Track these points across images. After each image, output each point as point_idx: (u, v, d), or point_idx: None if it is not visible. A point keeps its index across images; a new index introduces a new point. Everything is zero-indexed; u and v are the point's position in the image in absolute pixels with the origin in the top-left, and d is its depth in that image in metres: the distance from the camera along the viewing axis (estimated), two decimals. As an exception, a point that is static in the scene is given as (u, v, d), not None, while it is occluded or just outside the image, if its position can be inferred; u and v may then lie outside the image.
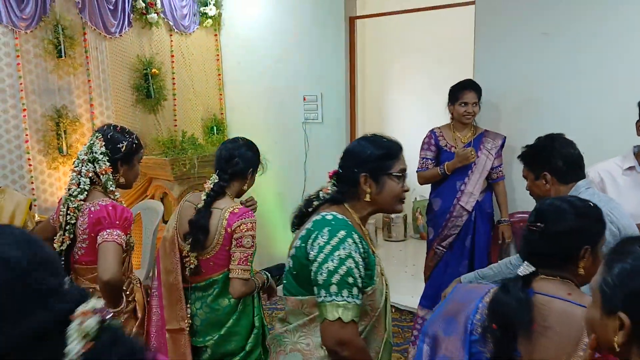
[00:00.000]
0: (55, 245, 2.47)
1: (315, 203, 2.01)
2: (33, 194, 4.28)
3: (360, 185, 1.91)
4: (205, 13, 5.45)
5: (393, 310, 4.54)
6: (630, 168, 2.78)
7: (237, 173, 2.66)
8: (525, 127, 3.90)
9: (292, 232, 2.02)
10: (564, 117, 3.76)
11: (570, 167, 2.32)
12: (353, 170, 1.92)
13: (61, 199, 2.57)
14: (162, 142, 5.03)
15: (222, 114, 5.77)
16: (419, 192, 6.46)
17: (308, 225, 1.87)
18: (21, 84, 4.20)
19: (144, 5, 4.91)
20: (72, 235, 2.46)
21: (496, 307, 1.64)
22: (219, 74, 5.74)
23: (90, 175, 2.45)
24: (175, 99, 5.34)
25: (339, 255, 1.74)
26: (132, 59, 4.96)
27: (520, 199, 3.98)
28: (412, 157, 4.21)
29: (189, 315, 2.66)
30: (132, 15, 4.88)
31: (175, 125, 5.34)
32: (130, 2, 4.83)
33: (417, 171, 3.91)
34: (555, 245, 1.67)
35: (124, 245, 2.37)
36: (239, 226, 2.53)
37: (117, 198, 2.50)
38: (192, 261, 2.60)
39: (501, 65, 4.00)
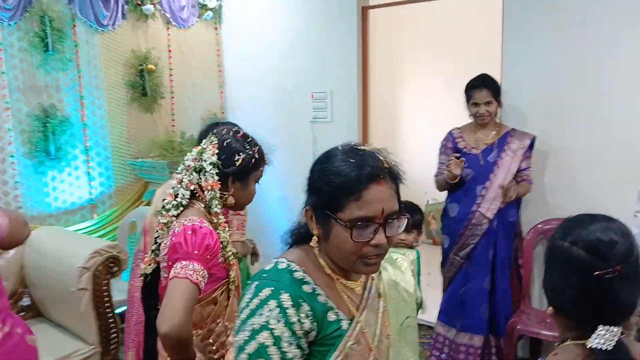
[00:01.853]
0: (141, 265, 2.03)
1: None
2: (18, 201, 3.91)
3: (307, 222, 1.36)
4: (205, 5, 5.09)
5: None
6: None
7: None
8: (559, 128, 3.62)
9: None
10: (601, 116, 3.43)
11: None
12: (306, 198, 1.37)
13: None
14: (159, 144, 4.66)
15: (222, 113, 5.40)
16: (431, 195, 6.12)
17: None
18: (5, 80, 3.81)
19: (139, -5, 4.56)
20: (159, 258, 1.99)
21: None
22: (220, 71, 5.37)
23: (192, 187, 1.96)
24: (173, 97, 4.97)
25: (252, 325, 1.23)
26: (126, 54, 4.59)
27: (554, 205, 3.64)
28: (426, 161, 3.95)
29: None
30: (126, 6, 4.51)
31: (174, 126, 4.97)
32: (125, -7, 4.47)
33: (435, 176, 3.62)
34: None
35: (201, 283, 1.77)
36: None
37: (220, 222, 1.96)
38: None
39: (532, 60, 3.65)
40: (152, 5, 4.63)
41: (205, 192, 1.94)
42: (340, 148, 1.34)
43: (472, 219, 3.44)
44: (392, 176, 1.31)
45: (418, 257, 1.68)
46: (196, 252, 1.78)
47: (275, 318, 1.22)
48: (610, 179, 3.40)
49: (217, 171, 1.94)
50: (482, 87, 3.40)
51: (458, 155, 3.38)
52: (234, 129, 2.06)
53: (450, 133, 3.62)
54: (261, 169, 2.07)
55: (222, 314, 1.99)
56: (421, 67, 6.32)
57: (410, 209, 3.05)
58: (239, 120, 5.17)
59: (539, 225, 3.67)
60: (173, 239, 1.83)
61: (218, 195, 1.95)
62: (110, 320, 3.14)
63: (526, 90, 3.69)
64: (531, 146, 3.48)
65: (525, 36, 3.67)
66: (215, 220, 1.96)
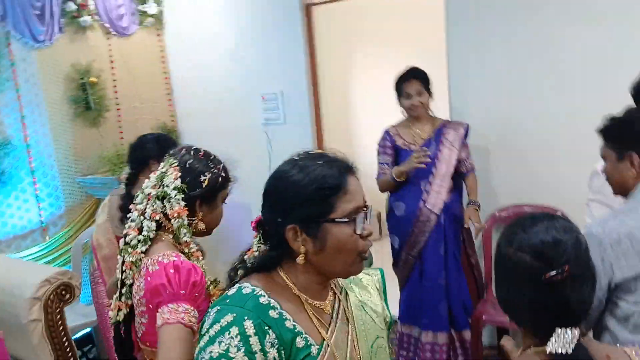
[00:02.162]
0: (110, 313, 1.81)
1: (241, 272, 1.36)
2: (-37, 231, 3.76)
3: (290, 243, 1.27)
4: (145, 11, 4.94)
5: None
6: None
7: (140, 162, 2.98)
8: (510, 116, 3.61)
9: None
10: (553, 101, 3.44)
11: None
12: (276, 219, 1.28)
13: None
14: (108, 159, 4.54)
15: (173, 121, 5.27)
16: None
17: None
18: (-63, 106, 3.66)
19: (75, 7, 4.40)
20: (130, 301, 1.79)
21: None
22: (167, 78, 5.23)
23: (157, 217, 1.77)
24: (119, 109, 4.83)
25: (210, 352, 1.16)
26: (66, 68, 4.44)
27: (510, 192, 3.64)
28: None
29: None
30: (62, 19, 4.35)
31: (122, 139, 4.82)
32: (60, 5, 4.29)
33: (375, 178, 3.56)
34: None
35: (194, 325, 1.61)
36: None
37: (192, 252, 1.80)
38: None
39: (479, 49, 3.63)
40: (89, 16, 4.49)
41: (172, 220, 1.77)
42: (299, 157, 1.31)
43: (420, 215, 3.38)
44: (355, 167, 1.34)
45: (382, 276, 1.61)
46: (183, 291, 1.62)
47: (236, 346, 1.14)
48: (564, 163, 3.40)
49: (182, 196, 1.77)
50: (412, 78, 3.37)
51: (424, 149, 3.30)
52: (193, 148, 1.90)
53: (386, 132, 3.56)
54: (228, 187, 1.92)
55: None
56: (371, 62, 6.26)
57: None
58: (191, 127, 5.11)
59: (496, 214, 3.68)
60: (149, 279, 1.66)
61: (186, 222, 1.78)
62: (68, 350, 3.01)
63: (474, 80, 3.67)
64: (466, 134, 3.46)
65: (470, 25, 3.64)
66: (186, 251, 1.80)
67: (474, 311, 3.46)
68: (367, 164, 6.13)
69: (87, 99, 4.50)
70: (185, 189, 1.77)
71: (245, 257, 1.38)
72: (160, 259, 1.68)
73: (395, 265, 3.59)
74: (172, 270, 1.63)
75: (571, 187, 3.24)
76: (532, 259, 1.15)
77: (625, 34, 3.14)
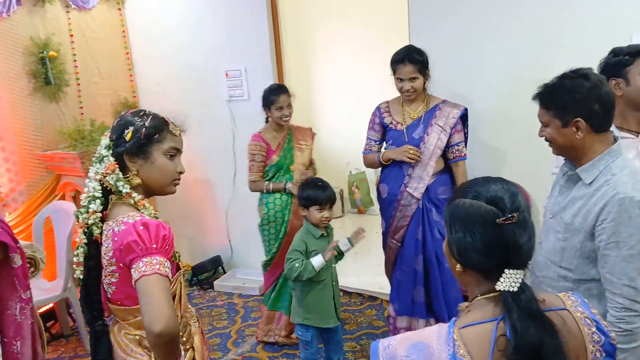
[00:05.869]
0: (76, 274, 1.87)
1: None
2: None
3: None
4: (105, -15, 4.86)
5: (341, 295, 4.22)
6: None
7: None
8: (468, 88, 3.68)
9: None
10: (509, 73, 3.52)
11: (607, 111, 1.91)
12: None
13: None
14: (69, 134, 4.46)
15: (134, 96, 5.23)
16: (353, 165, 6.18)
17: None
18: None
19: (32, -22, 4.30)
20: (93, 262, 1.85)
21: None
22: (127, 53, 5.18)
23: (98, 177, 1.82)
24: (79, 84, 4.75)
25: None
26: (24, 41, 4.33)
27: (469, 165, 3.70)
28: (345, 131, 3.89)
29: None
30: (19, -9, 4.24)
31: (82, 114, 4.76)
32: (17, -24, 4.19)
33: (363, 153, 3.47)
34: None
35: (169, 275, 1.70)
36: None
37: (138, 201, 1.84)
38: None
39: (438, 22, 3.70)
40: (48, -12, 4.39)
41: (108, 177, 1.80)
42: None
43: (401, 199, 3.26)
44: None
45: None
46: (154, 245, 1.68)
47: None
48: (521, 135, 3.46)
49: (110, 152, 1.82)
50: (406, 61, 3.14)
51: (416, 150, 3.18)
52: (133, 109, 1.94)
53: (377, 108, 3.40)
54: (165, 139, 1.88)
55: (177, 307, 1.87)
56: (332, 37, 6.30)
57: (325, 187, 2.98)
58: (152, 103, 5.06)
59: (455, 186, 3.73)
60: (116, 239, 1.72)
61: (121, 177, 1.81)
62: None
63: (434, 53, 3.67)
64: (463, 118, 3.28)
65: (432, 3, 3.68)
66: (144, 210, 1.83)
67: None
68: (331, 139, 6.17)
69: (46, 74, 4.40)
70: (111, 146, 1.84)
71: None
72: (124, 219, 1.74)
73: (383, 248, 3.50)
74: (141, 227, 1.70)
75: (529, 157, 3.34)
76: (487, 205, 1.28)
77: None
